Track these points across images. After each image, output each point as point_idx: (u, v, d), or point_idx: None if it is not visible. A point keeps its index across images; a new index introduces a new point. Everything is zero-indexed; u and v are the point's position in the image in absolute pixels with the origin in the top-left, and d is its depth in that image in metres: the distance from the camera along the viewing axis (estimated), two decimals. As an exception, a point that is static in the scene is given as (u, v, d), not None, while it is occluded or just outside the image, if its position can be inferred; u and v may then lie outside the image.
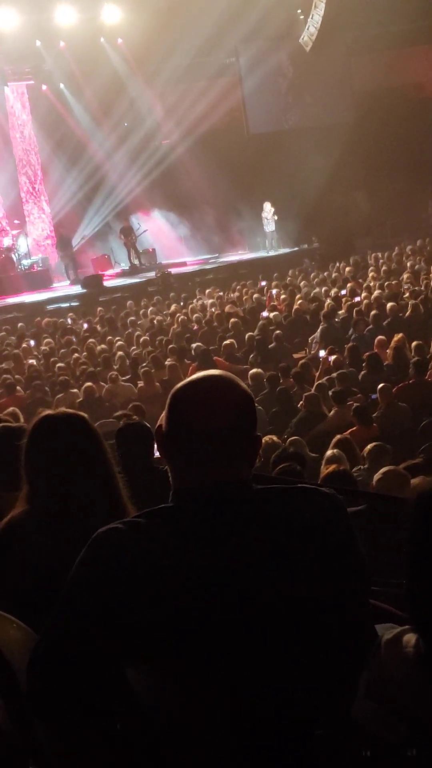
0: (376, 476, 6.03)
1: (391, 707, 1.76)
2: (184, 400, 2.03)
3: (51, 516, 2.72)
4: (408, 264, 21.72)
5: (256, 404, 2.21)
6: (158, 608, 1.87)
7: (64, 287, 26.33)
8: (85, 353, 16.15)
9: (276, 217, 27.58)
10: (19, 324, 20.88)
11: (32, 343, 18.63)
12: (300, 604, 1.91)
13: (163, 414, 2.07)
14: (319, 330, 15.26)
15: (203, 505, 1.97)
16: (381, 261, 23.06)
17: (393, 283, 18.56)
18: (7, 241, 26.75)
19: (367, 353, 12.34)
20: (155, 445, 2.16)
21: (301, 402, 10.60)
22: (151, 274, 25.97)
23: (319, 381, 11.57)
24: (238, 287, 22.73)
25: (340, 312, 16.39)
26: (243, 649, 1.88)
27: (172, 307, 20.95)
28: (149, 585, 1.88)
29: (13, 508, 2.86)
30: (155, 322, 19.07)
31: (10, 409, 10.54)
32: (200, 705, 1.88)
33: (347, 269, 22.61)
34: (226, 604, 1.88)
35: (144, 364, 14.08)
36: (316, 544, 1.96)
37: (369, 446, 7.64)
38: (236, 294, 21.68)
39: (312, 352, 14.67)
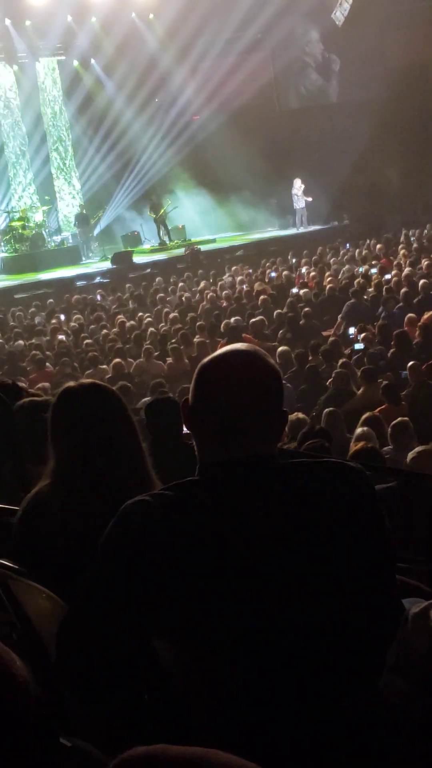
0: (411, 455, 6.02)
1: (417, 680, 1.77)
2: (211, 374, 2.03)
3: (77, 488, 2.73)
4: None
5: (285, 382, 2.21)
6: (185, 580, 1.88)
7: (94, 263, 26.39)
8: (115, 329, 16.21)
9: (307, 198, 27.40)
10: (49, 300, 20.95)
11: (62, 317, 18.73)
12: (326, 578, 1.92)
13: (190, 388, 2.07)
14: (345, 307, 15.21)
15: (229, 479, 1.97)
16: (412, 238, 22.89)
17: (425, 263, 18.41)
18: (38, 218, 26.80)
19: (396, 331, 12.28)
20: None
21: (330, 380, 10.58)
22: (181, 251, 25.96)
23: (347, 359, 11.55)
24: (267, 264, 22.66)
25: (369, 290, 16.31)
26: (270, 621, 1.89)
27: (201, 284, 20.94)
28: (177, 557, 1.89)
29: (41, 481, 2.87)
30: (183, 299, 19.08)
31: (40, 384, 10.64)
32: (227, 676, 1.90)
33: (378, 246, 22.48)
34: (252, 577, 1.89)
35: (173, 341, 14.10)
36: (342, 519, 1.96)
37: (392, 424, 7.63)
38: (267, 271, 21.61)
39: (341, 329, 14.62)
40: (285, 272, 20.71)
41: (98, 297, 21.34)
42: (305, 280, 19.44)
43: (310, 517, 1.94)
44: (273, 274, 20.94)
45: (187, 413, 2.08)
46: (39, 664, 2.44)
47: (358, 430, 7.56)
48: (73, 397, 2.82)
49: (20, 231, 25.85)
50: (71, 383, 2.89)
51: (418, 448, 6.18)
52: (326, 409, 8.77)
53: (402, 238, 23.27)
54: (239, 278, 21.11)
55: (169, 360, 13.32)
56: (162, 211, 27.40)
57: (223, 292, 19.12)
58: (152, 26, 27.98)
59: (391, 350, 11.81)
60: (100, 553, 1.97)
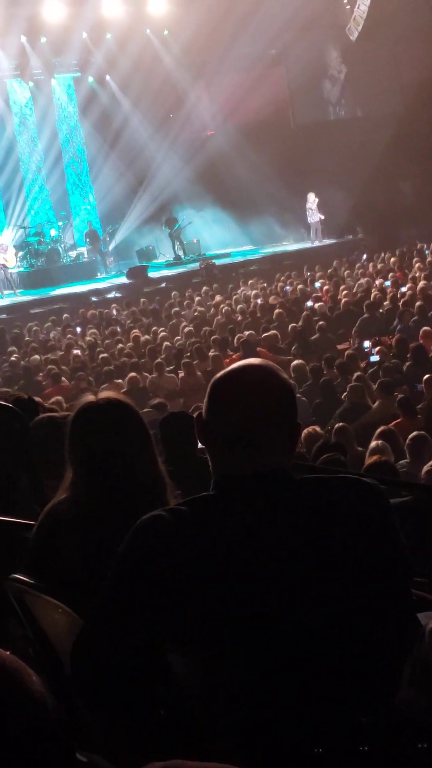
0: (426, 468, 5.99)
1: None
2: (225, 388, 2.04)
3: (93, 501, 2.73)
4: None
5: (299, 395, 2.22)
6: (199, 594, 1.89)
7: (109, 278, 26.49)
8: (130, 344, 16.25)
9: (320, 215, 27.41)
10: (65, 315, 21.03)
11: (78, 330, 18.80)
12: (341, 593, 1.92)
13: (204, 402, 2.08)
14: (359, 320, 15.21)
15: (244, 494, 1.98)
16: (426, 252, 22.88)
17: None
18: (53, 233, 26.93)
19: (413, 344, 12.27)
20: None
21: (345, 393, 10.56)
22: (195, 266, 26.02)
23: (361, 372, 11.53)
24: (282, 278, 22.69)
25: (385, 303, 16.30)
26: (285, 635, 1.89)
27: (216, 298, 20.97)
28: (191, 571, 1.89)
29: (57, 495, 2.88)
30: (196, 312, 19.11)
31: (55, 398, 10.68)
32: (242, 690, 1.89)
33: (392, 260, 22.48)
34: (267, 592, 1.89)
35: (187, 355, 14.13)
36: (356, 533, 1.96)
37: (409, 437, 7.60)
38: (280, 285, 21.63)
39: (354, 343, 14.61)
40: (300, 286, 20.73)
41: (113, 311, 21.40)
42: (319, 293, 19.43)
43: (324, 532, 1.95)
44: (288, 288, 20.96)
45: (200, 427, 2.09)
46: (55, 679, 2.44)
47: (373, 443, 7.54)
48: (91, 412, 2.82)
49: (36, 246, 25.98)
50: (90, 397, 2.89)
51: None
52: (337, 425, 8.76)
53: (415, 252, 23.26)
54: (254, 292, 21.14)
55: (182, 374, 13.34)
56: (177, 225, 27.48)
57: (238, 306, 19.14)
58: (167, 42, 28.13)
59: (407, 363, 11.78)
60: (115, 567, 1.99)
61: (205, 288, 22.82)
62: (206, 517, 1.97)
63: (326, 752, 1.87)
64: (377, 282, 19.32)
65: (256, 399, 1.99)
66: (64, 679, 2.32)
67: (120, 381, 13.09)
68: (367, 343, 13.72)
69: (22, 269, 25.74)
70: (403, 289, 17.41)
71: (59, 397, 10.82)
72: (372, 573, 1.96)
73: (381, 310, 15.74)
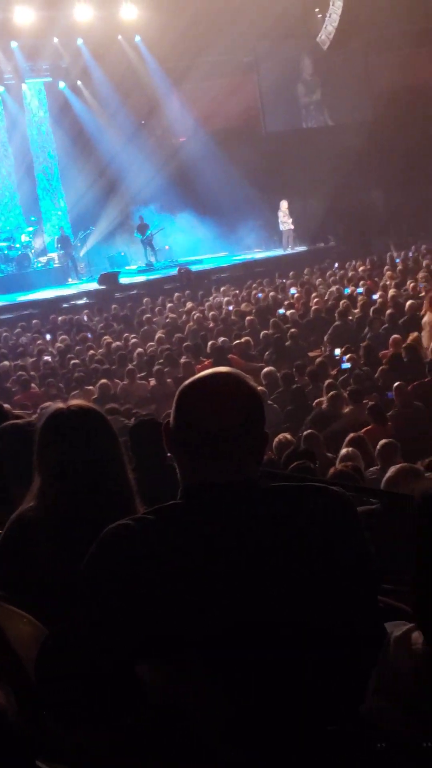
0: (388, 473, 5.99)
1: (400, 702, 1.77)
2: (191, 397, 2.03)
3: (60, 512, 2.72)
4: (424, 263, 21.63)
5: (271, 402, 2.21)
6: (166, 603, 1.88)
7: (80, 284, 26.41)
8: (101, 350, 16.20)
9: (290, 226, 27.50)
10: (34, 321, 20.93)
11: (48, 337, 18.71)
12: (307, 601, 1.92)
13: (171, 411, 2.07)
14: (331, 328, 15.25)
15: (211, 503, 1.97)
16: (397, 260, 23.00)
17: (411, 284, 18.46)
18: (23, 238, 26.80)
19: (383, 352, 12.32)
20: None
21: (317, 399, 10.57)
22: (168, 272, 26.00)
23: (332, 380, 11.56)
24: (254, 285, 22.73)
25: (355, 311, 16.36)
26: (251, 645, 1.88)
27: (188, 305, 20.96)
28: (157, 580, 1.88)
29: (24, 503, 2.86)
30: (168, 319, 19.10)
31: (47, 405, 10.59)
32: (207, 700, 1.88)
33: (361, 268, 22.59)
34: (232, 602, 1.88)
35: (159, 362, 14.10)
36: (323, 542, 1.96)
37: (379, 444, 7.61)
38: (253, 292, 21.66)
39: (326, 350, 14.65)
40: (272, 293, 20.76)
41: (84, 317, 21.33)
42: (291, 301, 19.47)
43: (290, 540, 1.94)
44: (260, 295, 21.00)
45: (167, 435, 2.08)
46: (19, 690, 2.41)
47: (343, 450, 7.56)
48: (60, 419, 2.81)
49: (6, 252, 25.83)
50: (60, 405, 2.87)
51: (393, 467, 6.12)
52: (305, 432, 8.77)
53: (387, 260, 23.38)
54: (226, 299, 21.15)
55: (152, 381, 13.30)
56: (148, 232, 27.45)
57: (210, 313, 19.14)
58: (138, 49, 28.14)
59: (378, 371, 11.83)
60: (81, 577, 1.97)
61: (177, 294, 22.80)
62: (173, 526, 1.96)
63: (293, 760, 1.87)
64: (348, 289, 19.38)
65: (224, 407, 1.98)
66: (29, 690, 2.30)
67: (91, 387, 13.02)
68: (338, 351, 13.76)
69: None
70: (374, 297, 17.49)
71: (49, 404, 10.69)
72: (338, 581, 1.95)
73: (351, 318, 15.78)
